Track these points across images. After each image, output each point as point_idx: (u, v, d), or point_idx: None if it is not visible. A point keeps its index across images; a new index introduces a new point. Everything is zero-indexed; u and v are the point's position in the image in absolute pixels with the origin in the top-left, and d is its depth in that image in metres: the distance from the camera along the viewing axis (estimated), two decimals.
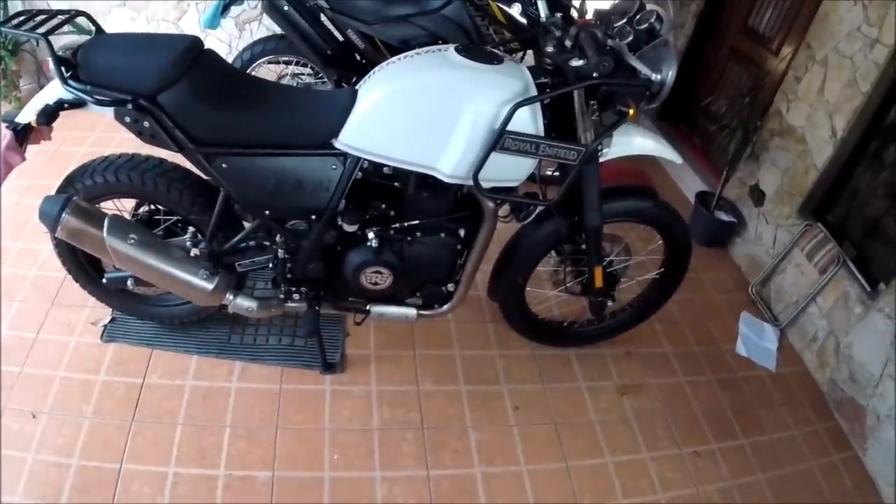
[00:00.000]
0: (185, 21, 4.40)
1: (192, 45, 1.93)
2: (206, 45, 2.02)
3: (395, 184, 2.08)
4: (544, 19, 2.20)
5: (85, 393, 2.38)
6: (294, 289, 2.34)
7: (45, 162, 3.37)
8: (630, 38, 1.96)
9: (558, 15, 2.17)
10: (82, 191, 2.15)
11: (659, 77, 1.89)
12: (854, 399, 2.77)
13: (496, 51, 2.06)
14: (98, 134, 3.76)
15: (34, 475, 2.11)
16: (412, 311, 2.41)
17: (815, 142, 3.11)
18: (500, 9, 3.00)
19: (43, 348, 2.52)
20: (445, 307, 2.42)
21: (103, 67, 1.86)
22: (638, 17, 2.01)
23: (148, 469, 2.18)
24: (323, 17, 3.15)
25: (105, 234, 2.02)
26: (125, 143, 2.06)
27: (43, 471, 2.13)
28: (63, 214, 1.97)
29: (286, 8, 3.06)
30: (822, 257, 3.01)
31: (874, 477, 2.61)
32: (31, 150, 2.08)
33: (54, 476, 2.11)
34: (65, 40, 1.92)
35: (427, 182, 2.03)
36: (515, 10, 2.95)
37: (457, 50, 1.97)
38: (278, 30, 3.31)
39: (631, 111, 1.88)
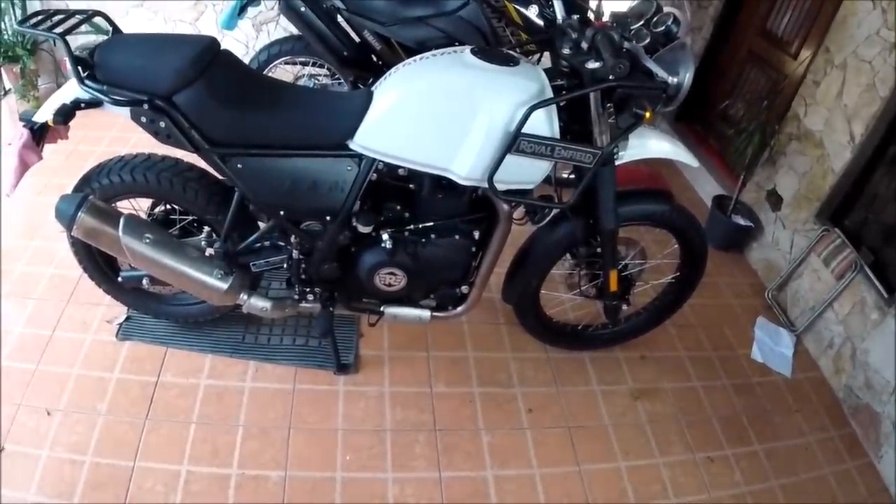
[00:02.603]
0: (203, 21, 4.42)
1: (209, 46, 1.94)
2: (224, 46, 2.03)
3: (410, 185, 2.08)
4: (560, 21, 2.19)
5: (99, 390, 2.39)
6: (308, 289, 2.34)
7: (61, 161, 3.39)
8: (647, 40, 1.95)
9: (574, 17, 2.16)
10: (98, 190, 2.16)
11: (675, 80, 1.88)
12: (870, 406, 2.74)
13: (512, 52, 2.06)
14: (115, 133, 3.78)
15: (48, 472, 2.12)
16: (426, 313, 2.40)
17: (833, 146, 3.09)
18: (517, 10, 2.99)
19: (58, 346, 2.53)
20: (459, 309, 2.41)
21: (120, 67, 1.87)
22: (655, 19, 2.00)
23: (161, 467, 2.19)
24: (339, 19, 3.15)
25: (120, 233, 2.03)
26: (141, 142, 2.07)
27: (57, 468, 2.14)
28: (79, 213, 1.99)
29: (303, 9, 3.06)
30: (838, 263, 2.98)
31: (889, 484, 2.58)
32: (48, 149, 2.11)
33: (68, 473, 2.13)
34: (82, 40, 1.94)
35: (442, 184, 2.03)
36: (532, 12, 2.94)
37: (472, 52, 1.96)
38: (295, 31, 3.32)
39: (647, 114, 1.87)
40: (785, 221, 3.44)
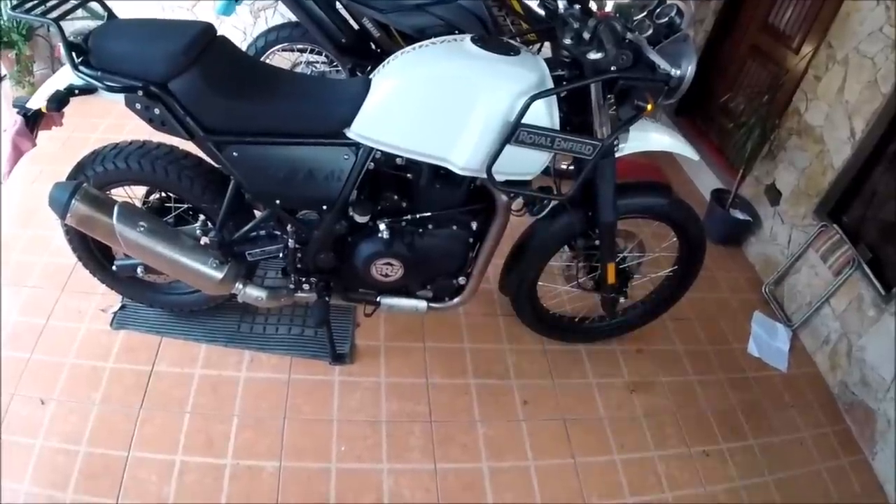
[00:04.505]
0: (200, 7, 4.38)
1: (205, 32, 1.91)
2: (220, 32, 2.00)
3: (408, 175, 2.06)
4: (562, 10, 2.17)
5: (94, 380, 2.38)
6: (304, 279, 2.33)
7: (57, 148, 3.36)
8: (650, 31, 1.93)
9: (576, 6, 2.14)
10: (93, 178, 2.14)
11: (678, 72, 1.85)
12: (865, 402, 2.74)
13: (512, 42, 2.03)
14: (111, 120, 3.76)
15: (42, 462, 2.11)
16: (422, 304, 2.39)
17: (833, 142, 3.07)
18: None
19: (53, 335, 2.52)
20: (456, 300, 2.40)
21: (114, 53, 1.84)
22: (658, 10, 1.98)
23: (155, 457, 2.18)
24: (338, 5, 3.13)
25: (115, 221, 2.01)
26: (138, 129, 2.05)
27: (50, 457, 2.13)
28: (73, 201, 1.96)
29: None
30: (836, 259, 2.98)
31: (882, 481, 2.58)
32: (43, 136, 2.08)
33: (62, 463, 2.12)
34: (78, 25, 1.91)
35: (440, 174, 2.02)
36: (533, 1, 2.92)
37: (472, 40, 1.94)
38: (293, 17, 3.29)
39: (648, 106, 1.85)
40: (783, 216, 3.43)
